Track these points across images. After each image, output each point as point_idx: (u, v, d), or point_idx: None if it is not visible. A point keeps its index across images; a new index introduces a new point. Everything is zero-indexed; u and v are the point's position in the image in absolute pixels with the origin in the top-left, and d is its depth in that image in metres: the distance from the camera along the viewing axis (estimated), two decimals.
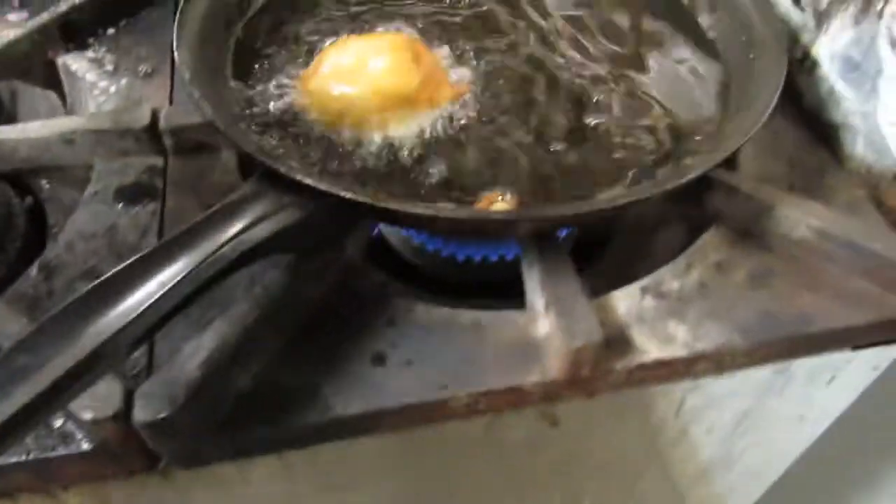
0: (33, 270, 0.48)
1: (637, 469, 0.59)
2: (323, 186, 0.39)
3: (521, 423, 0.47)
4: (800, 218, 0.47)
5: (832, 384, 0.53)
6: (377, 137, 0.50)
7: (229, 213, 0.39)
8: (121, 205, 0.51)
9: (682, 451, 0.57)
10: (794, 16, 0.57)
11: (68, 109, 0.64)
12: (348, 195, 0.38)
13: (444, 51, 0.56)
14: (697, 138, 0.50)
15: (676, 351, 0.44)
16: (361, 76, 0.50)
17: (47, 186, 0.65)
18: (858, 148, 0.53)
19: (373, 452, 0.47)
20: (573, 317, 0.42)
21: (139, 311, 0.34)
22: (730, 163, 0.53)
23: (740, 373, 0.48)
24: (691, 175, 0.42)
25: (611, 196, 0.44)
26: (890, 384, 0.55)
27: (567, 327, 0.41)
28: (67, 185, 0.59)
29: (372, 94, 0.50)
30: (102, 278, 0.35)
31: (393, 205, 0.39)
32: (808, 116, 0.57)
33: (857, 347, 0.50)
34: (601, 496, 0.61)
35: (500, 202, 0.45)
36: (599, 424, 0.51)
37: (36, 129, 0.53)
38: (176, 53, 0.46)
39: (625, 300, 0.46)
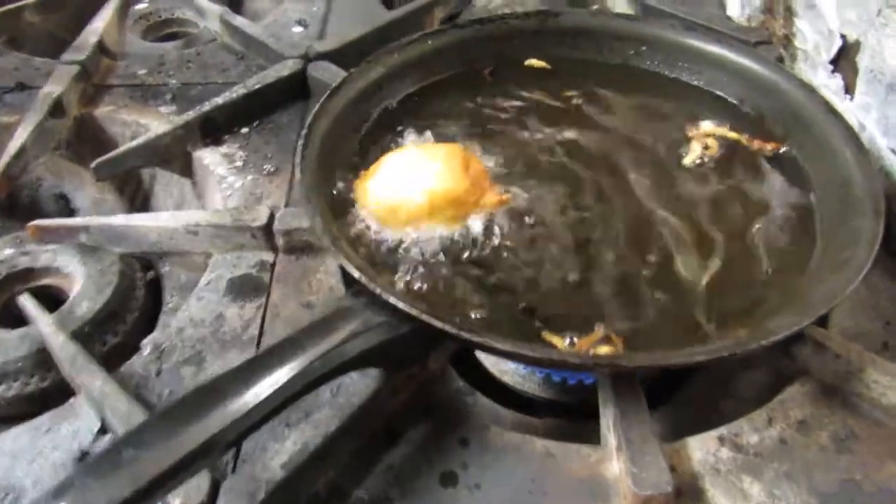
0: (146, 350, 0.52)
1: None
2: (414, 311, 0.42)
3: None
4: (891, 384, 0.46)
5: None
6: (435, 236, 0.53)
7: (324, 329, 0.42)
8: (230, 297, 0.56)
9: None
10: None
11: (198, 196, 0.71)
12: (437, 324, 0.41)
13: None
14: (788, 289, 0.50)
15: None
16: (413, 178, 0.53)
17: (167, 266, 0.72)
18: None
19: None
20: (644, 464, 0.42)
21: (236, 417, 0.37)
22: (822, 318, 0.53)
23: None
24: (776, 337, 0.42)
25: (691, 350, 0.44)
26: None
27: (637, 475, 0.42)
28: (185, 267, 0.65)
29: (423, 194, 0.52)
30: (205, 383, 0.39)
31: (477, 338, 0.41)
32: None
33: None
34: None
35: (601, 342, 0.46)
36: None
37: (166, 218, 0.59)
38: (297, 171, 0.51)
39: (700, 449, 0.46)
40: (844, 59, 0.64)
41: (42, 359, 0.57)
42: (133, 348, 0.61)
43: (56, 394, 0.53)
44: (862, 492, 0.44)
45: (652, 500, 0.41)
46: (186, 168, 0.70)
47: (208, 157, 0.68)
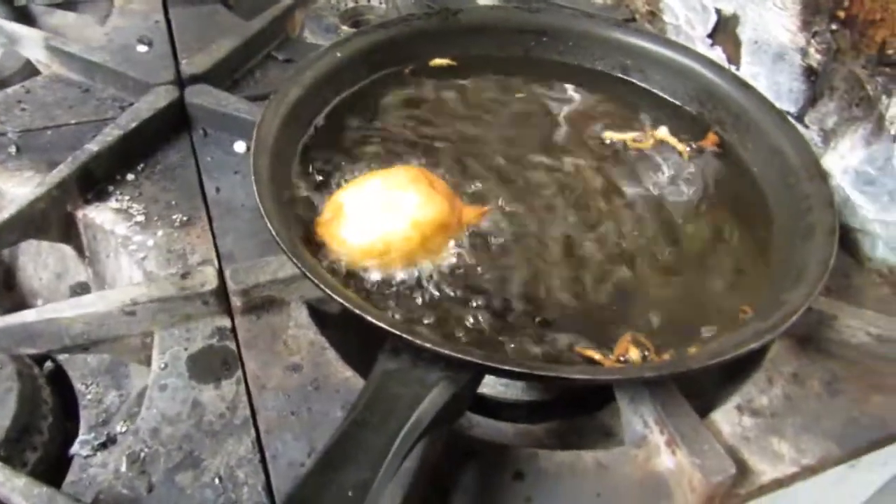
0: (122, 465, 0.44)
1: None
2: (477, 359, 0.39)
3: None
4: (860, 326, 0.52)
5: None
6: (424, 266, 0.50)
7: (382, 402, 0.38)
8: (198, 378, 0.48)
9: None
10: (800, 130, 0.63)
11: (89, 264, 0.60)
12: (510, 367, 0.38)
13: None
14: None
15: (788, 468, 0.47)
16: (392, 213, 0.49)
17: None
18: (879, 251, 0.59)
19: None
20: (703, 453, 0.44)
21: None
22: None
23: None
24: (804, 307, 0.45)
25: (739, 340, 0.46)
26: None
27: (702, 465, 0.43)
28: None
29: (411, 227, 0.49)
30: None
31: (553, 373, 0.39)
32: None
33: None
34: None
35: (633, 349, 0.46)
36: None
37: (92, 302, 0.49)
38: (269, 224, 0.45)
39: (726, 422, 0.48)
40: (722, 33, 0.69)
41: None
42: (57, 458, 0.52)
43: None
44: (862, 426, 0.49)
45: (720, 486, 0.43)
46: (65, 233, 0.59)
47: (99, 216, 0.57)
